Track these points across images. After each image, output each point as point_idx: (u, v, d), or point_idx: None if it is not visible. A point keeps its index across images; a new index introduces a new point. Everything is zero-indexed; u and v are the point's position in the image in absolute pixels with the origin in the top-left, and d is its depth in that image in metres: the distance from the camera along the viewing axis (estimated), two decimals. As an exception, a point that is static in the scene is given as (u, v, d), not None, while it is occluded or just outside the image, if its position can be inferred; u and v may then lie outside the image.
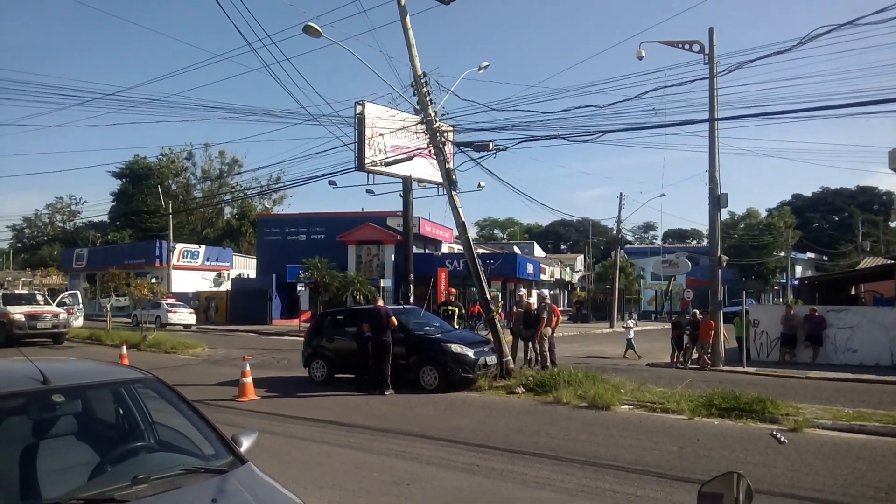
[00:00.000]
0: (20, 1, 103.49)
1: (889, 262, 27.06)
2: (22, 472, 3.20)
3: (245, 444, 3.64)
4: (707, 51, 18.01)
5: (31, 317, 22.38)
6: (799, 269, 63.78)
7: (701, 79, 16.71)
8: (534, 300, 19.47)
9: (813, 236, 69.15)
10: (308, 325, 19.99)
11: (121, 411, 3.87)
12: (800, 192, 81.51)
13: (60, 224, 76.13)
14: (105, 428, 3.88)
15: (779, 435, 8.45)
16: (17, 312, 22.18)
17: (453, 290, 19.65)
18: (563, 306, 52.78)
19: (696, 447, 8.04)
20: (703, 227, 78.11)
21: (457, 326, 15.64)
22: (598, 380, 11.73)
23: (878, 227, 62.53)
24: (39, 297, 24.99)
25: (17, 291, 26.70)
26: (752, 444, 8.16)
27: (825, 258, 68.82)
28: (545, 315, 15.82)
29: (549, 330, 15.82)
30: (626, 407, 10.70)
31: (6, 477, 3.18)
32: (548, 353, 15.64)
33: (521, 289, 22.90)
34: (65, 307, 25.89)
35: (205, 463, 3.39)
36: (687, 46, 18.25)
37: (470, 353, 12.67)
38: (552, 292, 49.24)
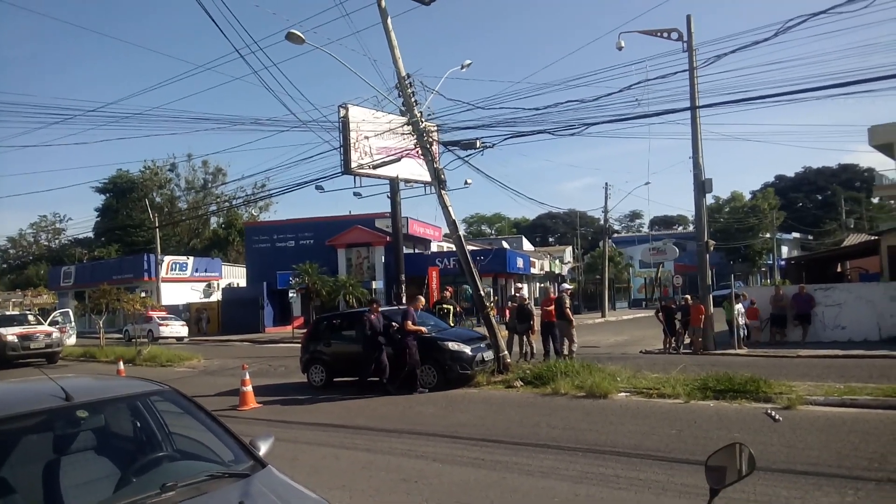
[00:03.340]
0: (2, 17, 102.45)
1: (873, 237, 27.47)
2: (46, 488, 3.30)
3: (263, 448, 3.78)
4: (686, 38, 18.25)
5: (24, 337, 22.29)
6: (785, 250, 64.45)
7: (681, 71, 16.93)
8: (526, 294, 19.61)
9: (797, 216, 69.84)
10: (302, 331, 20.06)
11: (138, 423, 3.97)
12: (783, 174, 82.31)
13: (46, 243, 75.61)
14: (123, 441, 3.99)
15: (773, 413, 8.64)
16: (10, 334, 22.09)
17: (450, 288, 19.75)
18: (555, 299, 52.85)
19: (693, 429, 8.24)
20: (689, 212, 78.75)
21: (452, 324, 15.76)
22: (594, 369, 11.93)
23: (861, 203, 63.21)
24: (31, 318, 24.89)
25: (7, 313, 26.57)
26: (748, 424, 8.36)
27: (810, 237, 69.60)
28: (567, 308, 15.95)
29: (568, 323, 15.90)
30: (624, 394, 10.89)
31: (31, 494, 3.28)
32: (574, 344, 15.77)
33: (520, 285, 23.08)
34: (57, 326, 25.81)
35: (227, 468, 3.52)
36: (666, 35, 18.48)
37: (467, 349, 12.82)
38: (544, 285, 49.52)
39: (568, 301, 16.36)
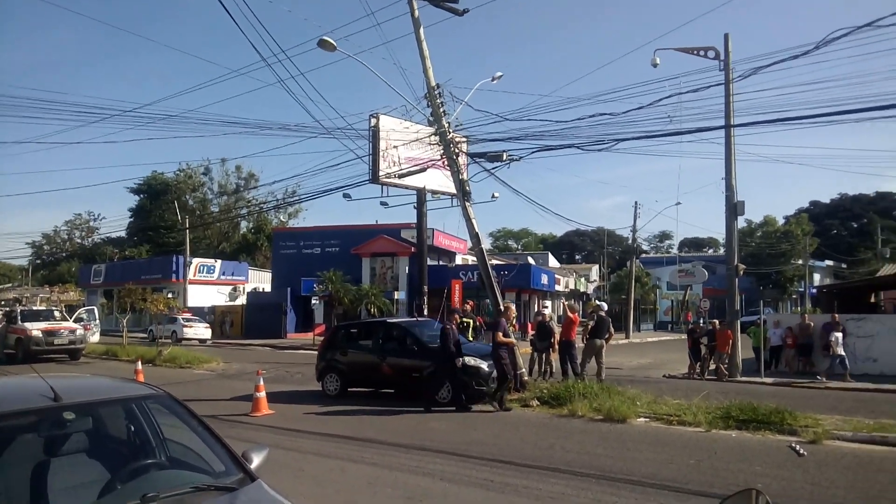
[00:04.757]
0: (38, 19, 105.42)
1: (909, 269, 26.66)
2: (33, 489, 3.21)
3: (256, 460, 3.63)
4: (722, 57, 17.94)
5: (49, 333, 22.57)
6: (817, 277, 63.04)
7: (716, 85, 16.59)
8: (548, 312, 19.31)
9: (831, 243, 68.33)
10: (322, 338, 20.00)
11: (132, 428, 3.88)
12: (817, 199, 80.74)
13: (79, 240, 77.02)
14: (116, 445, 3.89)
15: (798, 447, 8.31)
16: (35, 329, 22.41)
17: (471, 301, 19.58)
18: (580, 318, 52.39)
19: (713, 460, 7.92)
20: (720, 235, 77.43)
21: (471, 339, 15.55)
22: (613, 392, 11.63)
23: (898, 233, 61.74)
24: (57, 314, 25.22)
25: (35, 308, 26.99)
26: (770, 457, 8.02)
27: (844, 265, 67.96)
28: (597, 325, 15.62)
29: (600, 342, 15.47)
30: (643, 419, 10.57)
31: (18, 495, 3.19)
32: (603, 365, 15.39)
33: (545, 302, 22.77)
34: (81, 323, 26.12)
35: (214, 480, 3.38)
36: (702, 53, 18.19)
37: (484, 365, 12.57)
38: (567, 303, 48.98)
39: (591, 322, 16.00)
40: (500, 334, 12.33)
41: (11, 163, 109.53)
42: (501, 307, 13.81)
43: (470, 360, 12.45)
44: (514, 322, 15.28)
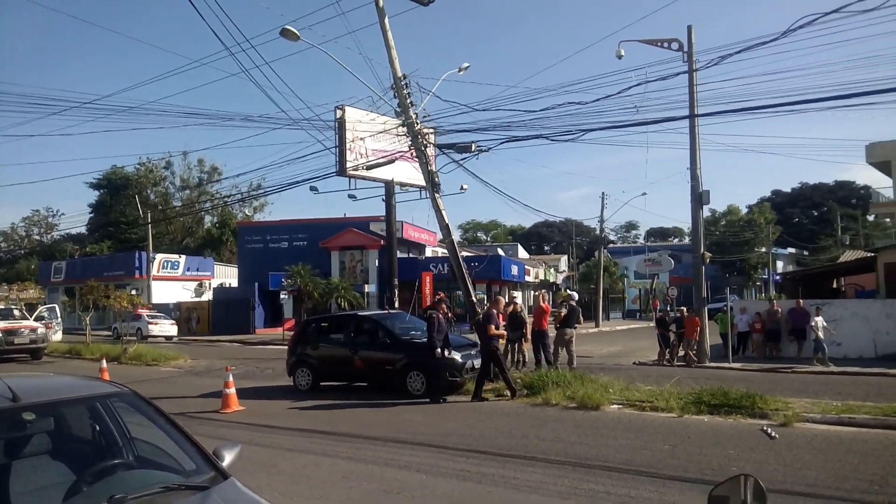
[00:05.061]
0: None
1: (869, 255, 27.34)
2: (-7, 494, 3.04)
3: (228, 458, 3.49)
4: (686, 48, 18.10)
5: (8, 332, 21.91)
6: (780, 265, 64.35)
7: (681, 73, 16.75)
8: (519, 301, 19.36)
9: (793, 231, 69.80)
10: (292, 333, 19.76)
11: (97, 427, 3.72)
12: (779, 188, 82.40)
13: (37, 237, 74.88)
14: (81, 445, 3.73)
15: (769, 430, 8.34)
16: (-6, 328, 21.73)
17: (443, 293, 19.52)
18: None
19: (687, 445, 7.99)
20: (685, 224, 78.52)
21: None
22: (586, 380, 11.66)
23: (857, 220, 63.18)
24: (17, 312, 24.50)
25: (-7, 307, 26.15)
26: (743, 441, 8.11)
27: (806, 253, 69.51)
28: (569, 314, 15.68)
29: (571, 331, 15.57)
30: (616, 406, 10.63)
31: (-22, 499, 3.03)
32: (574, 353, 15.47)
33: (513, 292, 22.82)
34: (43, 321, 25.43)
35: (185, 479, 3.25)
36: (666, 45, 18.33)
37: (457, 356, 12.54)
38: (538, 293, 49.25)
39: (563, 311, 16.08)
40: (493, 327, 12.31)
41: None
42: (474, 299, 13.77)
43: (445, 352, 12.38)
44: (503, 314, 15.22)
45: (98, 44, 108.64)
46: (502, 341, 14.14)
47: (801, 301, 19.46)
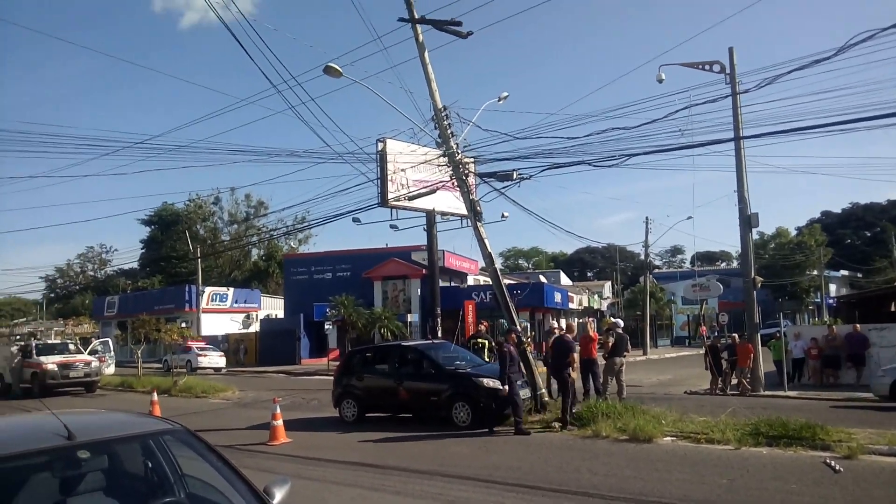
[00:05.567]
0: (42, 53, 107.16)
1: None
2: (50, 531, 3.08)
3: (278, 495, 3.47)
4: (728, 70, 17.86)
5: (64, 366, 22.54)
6: (833, 288, 62.27)
7: (724, 97, 16.48)
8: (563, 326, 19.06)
9: (845, 253, 67.55)
10: (337, 363, 19.85)
11: (149, 464, 3.74)
12: (829, 209, 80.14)
13: (92, 273, 77.38)
14: (134, 482, 3.75)
15: (833, 463, 8.04)
16: (50, 362, 22.38)
17: (486, 322, 19.38)
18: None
19: (746, 479, 7.67)
20: (732, 248, 76.89)
21: (487, 360, 15.33)
22: (637, 411, 11.35)
23: (913, 240, 60.98)
24: (72, 346, 25.21)
25: (49, 341, 27.00)
26: (805, 474, 7.76)
27: (860, 275, 67.14)
28: (617, 342, 15.44)
29: (621, 360, 15.32)
30: (669, 439, 10.31)
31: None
32: (624, 383, 15.21)
33: (553, 320, 22.53)
34: (96, 355, 26.08)
35: (237, 518, 3.23)
36: (707, 67, 18.12)
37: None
38: (583, 320, 48.56)
39: (611, 339, 15.78)
40: (574, 355, 12.28)
41: (23, 198, 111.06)
42: (518, 327, 13.59)
43: (489, 382, 12.23)
44: (530, 341, 15.03)
45: (150, 86, 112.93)
46: (542, 369, 13.93)
47: (857, 326, 18.73)
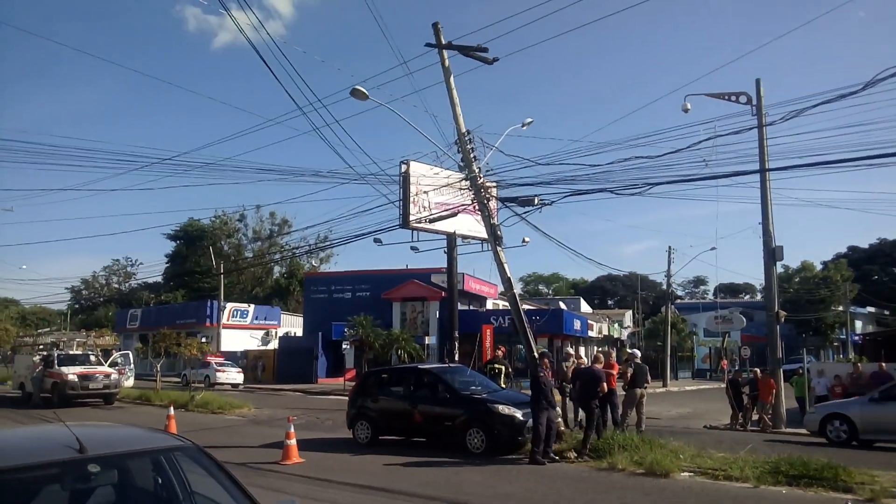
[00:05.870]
0: (80, 71, 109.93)
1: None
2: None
3: (285, 516, 3.47)
4: (754, 101, 17.78)
5: (84, 377, 22.75)
6: (859, 324, 61.07)
7: (750, 129, 16.37)
8: (583, 357, 18.91)
9: (872, 289, 66.27)
10: (353, 383, 19.82)
11: (159, 480, 3.76)
12: (856, 244, 78.88)
13: (116, 285, 78.49)
14: (143, 498, 3.78)
15: (855, 506, 7.82)
16: (71, 373, 22.61)
17: (503, 347, 19.26)
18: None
19: (764, 519, 7.48)
20: (756, 280, 75.89)
21: (503, 385, 15.21)
22: (655, 444, 11.15)
23: (943, 278, 59.72)
24: (93, 358, 25.45)
25: (71, 352, 27.30)
26: (826, 516, 7.55)
27: (887, 312, 65.77)
28: (635, 374, 15.29)
29: (641, 391, 15.18)
30: (687, 474, 10.10)
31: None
32: (643, 416, 15.08)
33: (570, 347, 22.34)
34: (116, 367, 26.30)
35: (243, 538, 3.23)
36: (734, 98, 18.06)
37: (518, 414, 12.21)
38: (603, 349, 48.06)
39: (629, 370, 15.57)
40: (604, 385, 12.27)
41: (54, 210, 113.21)
42: (535, 354, 13.48)
43: (505, 409, 12.12)
44: (549, 368, 14.88)
45: (181, 103, 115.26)
46: (559, 398, 13.75)
47: (883, 364, 18.31)
